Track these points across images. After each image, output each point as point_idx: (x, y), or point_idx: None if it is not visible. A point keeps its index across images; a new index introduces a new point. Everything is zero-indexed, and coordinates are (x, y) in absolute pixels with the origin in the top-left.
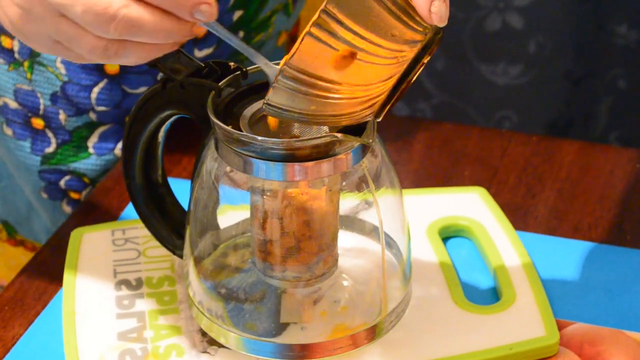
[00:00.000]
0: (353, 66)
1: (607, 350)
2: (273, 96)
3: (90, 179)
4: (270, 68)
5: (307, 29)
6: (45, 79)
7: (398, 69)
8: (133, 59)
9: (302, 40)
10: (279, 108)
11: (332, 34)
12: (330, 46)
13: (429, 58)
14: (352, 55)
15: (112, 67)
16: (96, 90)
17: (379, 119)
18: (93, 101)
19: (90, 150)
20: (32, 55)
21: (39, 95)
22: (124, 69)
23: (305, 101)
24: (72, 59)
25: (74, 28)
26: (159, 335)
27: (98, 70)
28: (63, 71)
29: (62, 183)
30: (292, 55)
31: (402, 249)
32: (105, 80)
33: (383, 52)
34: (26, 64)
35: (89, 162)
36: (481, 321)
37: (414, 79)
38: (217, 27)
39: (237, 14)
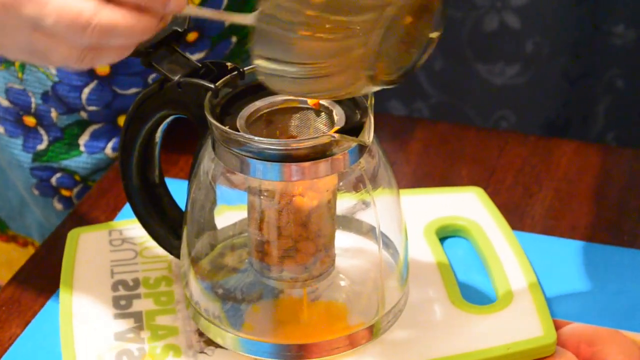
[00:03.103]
0: None
1: (604, 350)
2: (256, 42)
3: (81, 176)
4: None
5: None
6: (36, 78)
7: (384, 9)
8: (109, 61)
9: None
10: (266, 59)
11: None
12: None
13: (438, 34)
14: None
15: (102, 69)
16: (86, 90)
17: (392, 86)
18: (84, 101)
19: (82, 148)
20: None
21: (30, 94)
22: (115, 70)
23: (290, 44)
24: (50, 65)
25: (47, 39)
26: (156, 336)
27: (88, 71)
28: (54, 71)
29: (53, 180)
30: None
31: (399, 249)
32: (95, 82)
33: None
34: (17, 63)
35: (80, 160)
36: (478, 321)
37: (426, 56)
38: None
39: None
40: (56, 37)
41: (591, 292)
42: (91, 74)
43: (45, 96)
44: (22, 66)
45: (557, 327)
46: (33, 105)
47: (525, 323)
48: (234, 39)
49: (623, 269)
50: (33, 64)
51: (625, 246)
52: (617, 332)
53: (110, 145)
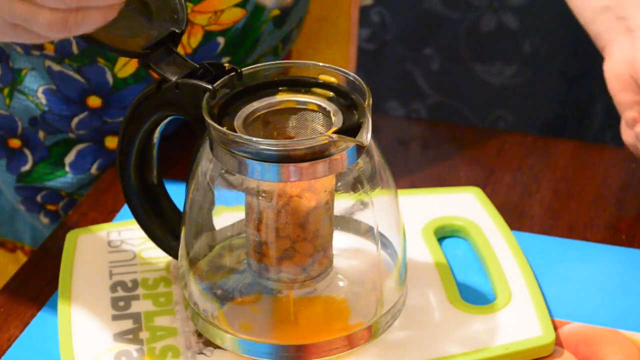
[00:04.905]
0: None
1: (602, 350)
2: None
3: (67, 193)
4: None
5: None
6: (24, 107)
7: None
8: (93, 26)
9: None
10: None
11: None
12: None
13: None
14: None
15: (94, 102)
16: (76, 120)
17: None
18: (73, 128)
19: (67, 168)
20: (14, 83)
21: (17, 119)
22: (106, 104)
23: None
24: (33, 40)
25: (28, 6)
26: (154, 337)
27: (80, 104)
28: (44, 101)
29: (38, 198)
30: None
31: (397, 249)
32: (86, 113)
33: None
34: (6, 90)
35: (65, 180)
36: (477, 321)
37: None
38: None
39: (225, 60)
40: (37, 2)
41: (589, 291)
42: (82, 107)
43: (32, 120)
44: (11, 94)
45: (556, 326)
46: (19, 129)
47: (524, 323)
48: None
49: (621, 269)
50: (16, 40)
51: (623, 245)
52: (616, 331)
53: (95, 166)
